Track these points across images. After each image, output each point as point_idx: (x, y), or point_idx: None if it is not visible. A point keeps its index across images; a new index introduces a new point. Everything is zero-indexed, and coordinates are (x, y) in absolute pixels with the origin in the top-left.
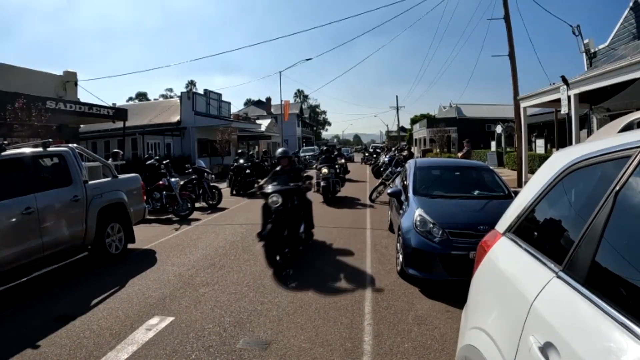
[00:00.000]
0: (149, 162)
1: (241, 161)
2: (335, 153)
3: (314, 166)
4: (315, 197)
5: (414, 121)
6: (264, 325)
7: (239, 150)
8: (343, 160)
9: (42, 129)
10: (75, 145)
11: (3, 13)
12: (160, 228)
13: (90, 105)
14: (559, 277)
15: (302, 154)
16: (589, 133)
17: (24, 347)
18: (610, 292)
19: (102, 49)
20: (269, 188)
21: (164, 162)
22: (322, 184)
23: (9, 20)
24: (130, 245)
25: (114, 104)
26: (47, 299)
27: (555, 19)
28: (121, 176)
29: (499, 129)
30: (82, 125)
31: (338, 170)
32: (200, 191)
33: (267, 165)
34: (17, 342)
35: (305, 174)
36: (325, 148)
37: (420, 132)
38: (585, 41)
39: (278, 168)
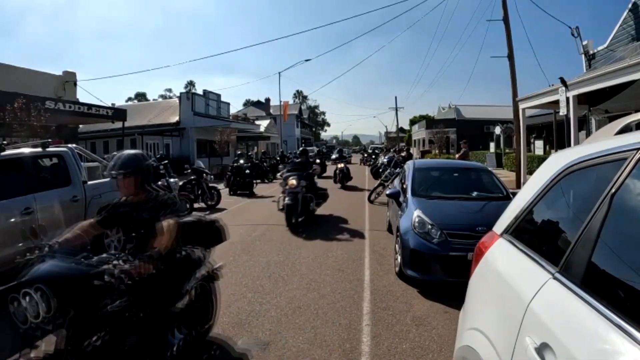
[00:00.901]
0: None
1: (241, 161)
2: (335, 156)
3: (280, 174)
4: (279, 218)
5: (413, 122)
6: (263, 326)
7: (238, 152)
8: (342, 165)
9: (41, 129)
10: (74, 145)
11: (3, 13)
12: None
13: (90, 106)
14: (555, 278)
15: None
16: (588, 134)
17: (22, 348)
18: (607, 293)
19: (102, 49)
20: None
21: (163, 162)
22: (286, 200)
23: (9, 20)
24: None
25: (113, 104)
26: None
27: (555, 21)
28: None
29: (497, 130)
30: (81, 126)
31: (344, 172)
32: (199, 192)
33: (266, 166)
34: (15, 342)
35: (175, 220)
36: (302, 149)
37: (419, 133)
38: (584, 43)
39: (121, 199)
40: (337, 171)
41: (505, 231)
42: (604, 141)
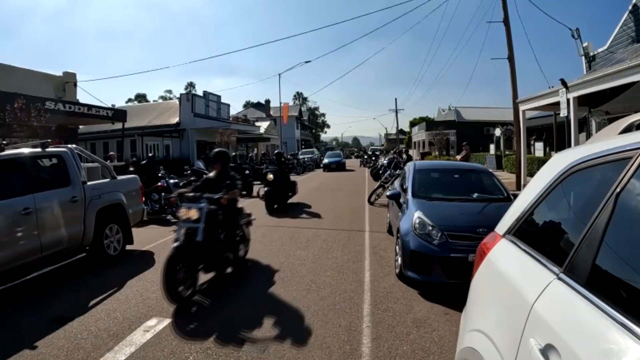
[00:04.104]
0: (142, 162)
1: (238, 161)
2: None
3: None
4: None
5: (413, 124)
6: (262, 327)
7: (234, 153)
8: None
9: (41, 130)
10: (74, 146)
11: (4, 14)
12: (158, 229)
13: (90, 106)
14: (559, 279)
15: (301, 157)
16: (588, 136)
17: (21, 348)
18: (611, 293)
19: (102, 50)
20: None
21: (140, 163)
22: None
23: (10, 21)
24: (128, 247)
25: (113, 105)
26: (45, 300)
27: (555, 22)
28: (120, 177)
29: (497, 132)
30: (81, 126)
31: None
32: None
33: (265, 167)
34: (14, 342)
35: None
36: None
37: (419, 135)
38: (585, 44)
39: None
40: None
41: (508, 232)
42: (607, 141)
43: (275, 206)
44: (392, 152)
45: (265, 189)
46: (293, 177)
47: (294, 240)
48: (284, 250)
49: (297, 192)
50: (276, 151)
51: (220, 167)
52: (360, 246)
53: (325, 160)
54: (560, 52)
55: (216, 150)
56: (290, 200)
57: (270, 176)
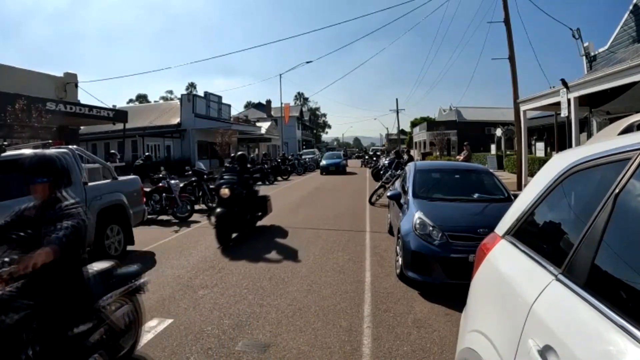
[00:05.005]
0: (137, 163)
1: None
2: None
3: None
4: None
5: (414, 124)
6: (263, 327)
7: (232, 155)
8: None
9: (42, 130)
10: (75, 146)
11: (5, 15)
12: (159, 230)
13: (91, 107)
14: (558, 280)
15: (302, 157)
16: (589, 136)
17: None
18: (610, 295)
19: (103, 51)
20: None
21: (135, 163)
22: None
23: (11, 22)
24: (129, 247)
25: (114, 106)
26: None
27: (556, 22)
28: (121, 178)
29: (498, 132)
30: (82, 127)
31: None
32: (200, 193)
33: (267, 167)
34: None
35: None
36: None
37: (420, 135)
38: (585, 44)
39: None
40: None
41: (508, 232)
42: (607, 141)
43: (234, 235)
44: (392, 152)
45: (218, 210)
46: (293, 179)
47: (294, 241)
48: (284, 250)
49: (271, 211)
50: (238, 153)
51: (48, 189)
52: (360, 246)
53: (323, 162)
54: (561, 52)
55: (38, 153)
56: (261, 222)
57: (225, 191)
